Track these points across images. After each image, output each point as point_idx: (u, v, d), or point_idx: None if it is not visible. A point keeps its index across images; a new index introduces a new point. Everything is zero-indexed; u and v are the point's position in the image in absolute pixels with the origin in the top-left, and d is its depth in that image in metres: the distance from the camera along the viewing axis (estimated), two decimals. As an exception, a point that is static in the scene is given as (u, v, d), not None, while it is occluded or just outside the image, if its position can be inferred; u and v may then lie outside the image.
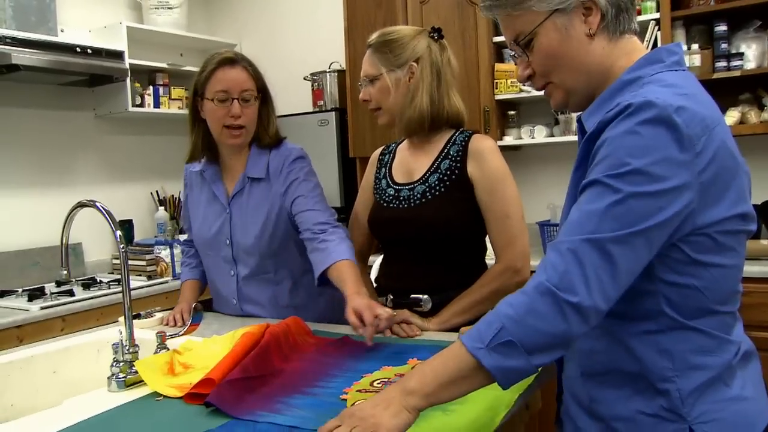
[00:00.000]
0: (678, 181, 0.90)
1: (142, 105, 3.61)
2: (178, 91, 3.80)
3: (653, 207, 0.90)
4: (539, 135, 3.22)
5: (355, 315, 1.48)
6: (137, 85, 3.59)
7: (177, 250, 3.17)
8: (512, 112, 3.32)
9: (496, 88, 3.19)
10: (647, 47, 1.19)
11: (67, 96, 3.47)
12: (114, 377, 1.34)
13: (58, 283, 3.03)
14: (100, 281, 3.08)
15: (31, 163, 3.31)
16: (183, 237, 2.50)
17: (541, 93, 1.15)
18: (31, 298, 2.74)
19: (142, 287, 3.06)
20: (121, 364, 1.35)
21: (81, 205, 1.44)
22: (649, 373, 0.99)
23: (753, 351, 1.07)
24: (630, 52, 1.06)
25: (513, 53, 1.13)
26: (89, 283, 3.01)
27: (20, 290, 2.93)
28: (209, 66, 1.80)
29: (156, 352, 1.49)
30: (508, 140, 3.29)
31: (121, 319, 1.64)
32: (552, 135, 3.24)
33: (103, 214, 1.39)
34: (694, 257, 0.95)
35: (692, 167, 0.91)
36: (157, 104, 3.69)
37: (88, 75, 3.22)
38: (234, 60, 1.81)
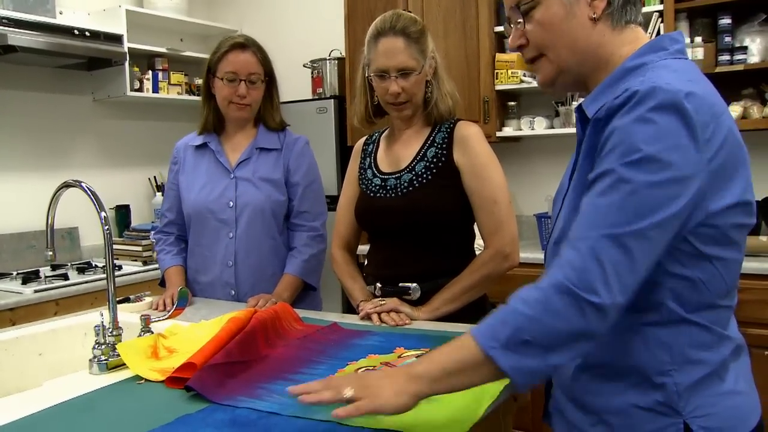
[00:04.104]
0: (690, 168, 0.89)
1: (140, 89, 3.58)
2: (177, 77, 3.77)
3: (668, 196, 0.89)
4: (539, 126, 3.18)
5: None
6: (136, 69, 3.56)
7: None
8: (512, 103, 3.29)
9: (497, 79, 3.16)
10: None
11: (65, 79, 3.45)
12: (96, 360, 1.33)
13: (53, 267, 3.02)
14: (95, 266, 3.08)
15: (27, 146, 3.29)
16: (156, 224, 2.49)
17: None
18: (25, 281, 2.74)
19: (137, 272, 3.04)
20: (103, 346, 1.33)
21: (66, 185, 1.42)
22: (646, 366, 0.98)
23: (743, 345, 1.06)
24: (633, 41, 1.05)
25: (509, 18, 1.10)
26: (84, 268, 3.01)
27: (15, 273, 2.92)
28: (222, 48, 2.00)
29: (140, 336, 1.48)
30: (508, 131, 3.25)
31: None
32: (552, 127, 3.21)
33: (88, 194, 1.37)
34: (701, 250, 0.94)
35: (702, 154, 0.90)
36: (156, 89, 3.67)
37: (87, 58, 3.20)
38: (245, 45, 2.00)
